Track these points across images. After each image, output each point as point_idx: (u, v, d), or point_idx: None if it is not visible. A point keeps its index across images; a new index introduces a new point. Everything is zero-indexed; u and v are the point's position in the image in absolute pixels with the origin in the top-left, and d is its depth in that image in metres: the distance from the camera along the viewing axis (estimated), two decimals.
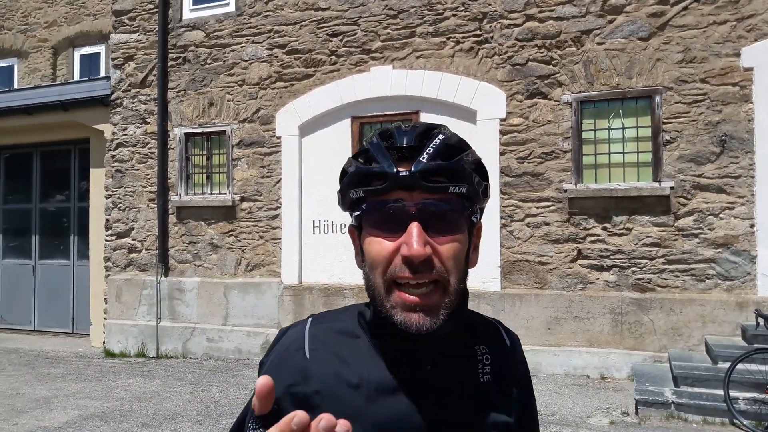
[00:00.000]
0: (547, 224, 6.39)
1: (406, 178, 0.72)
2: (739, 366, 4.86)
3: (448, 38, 6.95)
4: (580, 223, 6.26)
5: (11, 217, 10.11)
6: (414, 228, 0.71)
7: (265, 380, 0.54)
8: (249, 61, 7.89)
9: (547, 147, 6.45)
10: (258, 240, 7.80)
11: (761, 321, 4.88)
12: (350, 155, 0.81)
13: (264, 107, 7.81)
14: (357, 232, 0.80)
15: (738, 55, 5.80)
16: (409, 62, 7.12)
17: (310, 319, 0.84)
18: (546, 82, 6.52)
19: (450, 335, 0.78)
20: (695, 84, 5.94)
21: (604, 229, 6.16)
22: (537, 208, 6.44)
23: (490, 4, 6.79)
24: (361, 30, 7.34)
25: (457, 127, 6.76)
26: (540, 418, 4.95)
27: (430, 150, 0.74)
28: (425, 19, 7.06)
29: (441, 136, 0.76)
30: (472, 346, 0.83)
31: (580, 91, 6.36)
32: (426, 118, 7.00)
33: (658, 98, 6.05)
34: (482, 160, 0.81)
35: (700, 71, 5.92)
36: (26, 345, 8.88)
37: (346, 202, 0.80)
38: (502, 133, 6.65)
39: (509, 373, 0.85)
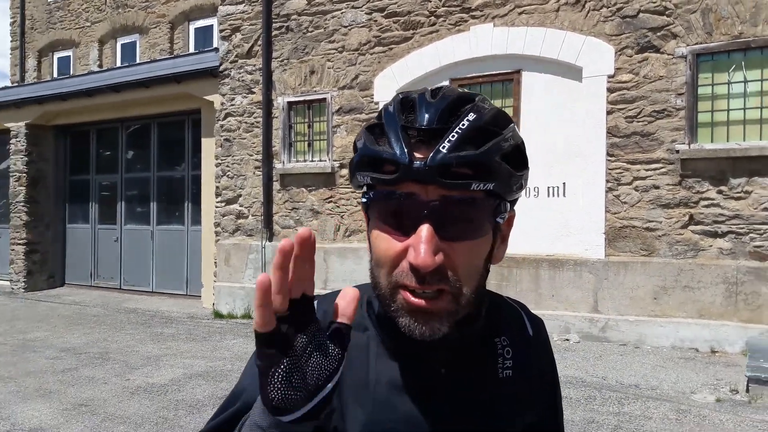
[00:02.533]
0: (657, 188, 6.69)
1: (420, 171, 0.67)
2: None
3: None
4: (693, 186, 6.50)
5: (132, 186, 12.11)
6: (424, 231, 0.67)
7: (263, 277, 0.54)
8: (349, 27, 8.84)
9: (659, 105, 6.72)
10: (356, 206, 8.81)
11: None
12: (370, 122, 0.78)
13: (363, 73, 8.74)
14: (366, 216, 0.78)
15: None
16: (510, 19, 7.64)
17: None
18: (659, 34, 6.76)
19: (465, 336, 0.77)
20: None
21: (720, 192, 6.35)
22: (646, 170, 6.76)
23: None
24: None
25: (562, 85, 7.26)
26: (638, 392, 5.47)
27: (453, 136, 0.68)
28: None
29: (472, 115, 0.70)
30: (491, 338, 0.83)
31: (696, 43, 6.54)
32: (528, 76, 7.52)
33: None
34: (522, 143, 0.77)
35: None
36: (144, 305, 10.69)
37: (354, 183, 0.77)
38: (610, 90, 7.00)
39: (532, 365, 0.86)
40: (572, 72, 7.29)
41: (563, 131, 7.33)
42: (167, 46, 13.49)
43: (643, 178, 6.79)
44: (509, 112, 7.68)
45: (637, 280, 6.65)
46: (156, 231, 11.68)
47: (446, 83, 8.10)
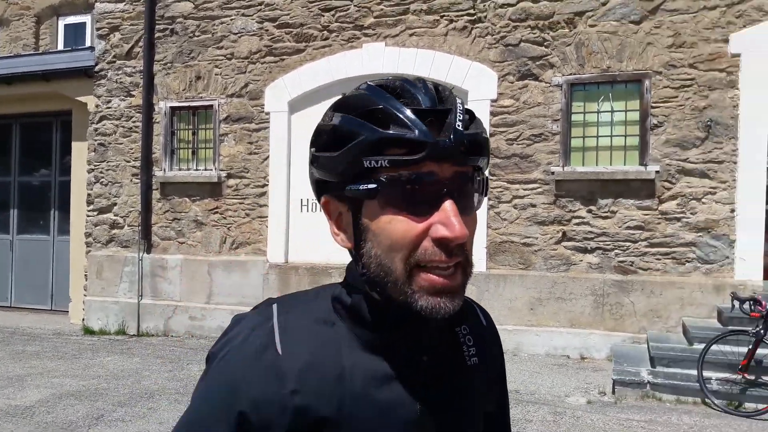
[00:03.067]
0: (534, 206, 7.28)
1: (448, 148, 0.70)
2: (714, 347, 5.67)
3: (442, 16, 7.82)
4: (566, 206, 7.15)
5: None
6: (450, 206, 0.70)
7: None
8: (238, 34, 8.77)
9: (537, 129, 7.33)
10: (244, 218, 8.70)
11: (737, 304, 5.68)
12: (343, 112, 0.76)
13: (253, 82, 8.70)
14: (350, 208, 0.77)
15: (726, 41, 6.67)
16: (401, 39, 7.99)
17: (275, 305, 0.81)
18: (538, 63, 7.39)
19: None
20: (684, 69, 6.80)
21: (590, 211, 7.05)
22: (524, 189, 7.33)
23: None
24: (354, 5, 8.21)
25: None
26: (519, 397, 5.90)
27: (460, 116, 0.72)
28: None
29: (457, 99, 0.75)
30: (452, 328, 0.87)
31: (571, 74, 7.23)
32: None
33: (647, 82, 6.92)
34: None
35: (689, 56, 6.79)
36: (1, 321, 9.79)
37: (349, 172, 0.74)
38: (493, 114, 7.52)
39: (490, 353, 0.91)
40: (459, 95, 7.71)
41: None
42: (32, 41, 12.51)
43: (522, 197, 7.35)
44: None
45: (515, 292, 7.18)
46: (17, 241, 10.75)
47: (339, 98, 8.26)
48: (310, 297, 0.84)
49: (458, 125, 0.71)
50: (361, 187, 0.73)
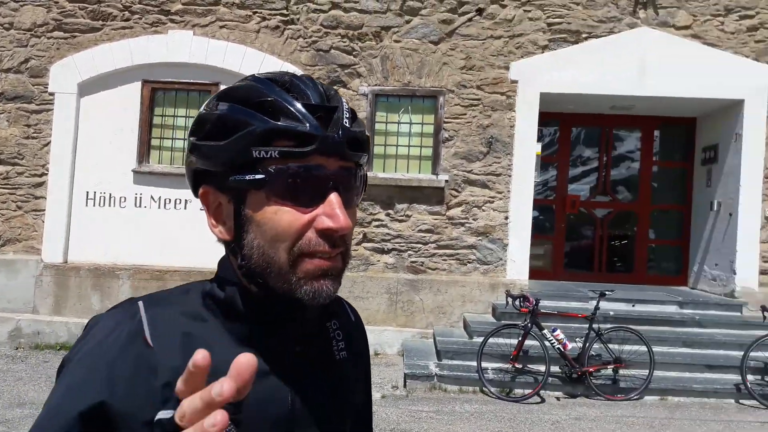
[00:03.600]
0: None
1: (336, 143, 0.75)
2: (490, 340, 6.36)
3: (255, 12, 7.92)
4: (368, 209, 7.68)
5: None
6: (336, 198, 0.75)
7: (203, 353, 0.54)
8: (20, 2, 7.94)
9: None
10: (15, 210, 7.87)
11: (509, 300, 6.52)
12: (220, 101, 0.79)
13: (36, 57, 7.94)
14: (233, 199, 0.78)
15: (507, 68, 7.74)
16: (212, 30, 7.91)
17: (141, 302, 0.79)
18: (346, 71, 7.84)
19: (314, 311, 0.82)
20: (472, 90, 7.74)
21: (388, 215, 7.66)
22: None
23: None
24: None
25: None
26: None
27: (347, 114, 0.77)
28: None
29: (343, 99, 0.80)
30: (323, 323, 0.90)
31: (376, 85, 7.80)
32: None
33: (441, 99, 7.74)
34: None
35: (477, 78, 7.74)
36: None
37: (234, 162, 0.76)
38: None
39: (358, 348, 0.95)
40: None
41: None
42: None
43: None
44: None
45: None
46: None
47: (138, 84, 7.91)
48: (179, 293, 0.83)
49: (345, 122, 0.76)
50: (247, 177, 0.75)
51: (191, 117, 7.99)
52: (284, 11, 7.94)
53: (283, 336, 0.81)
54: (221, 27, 7.94)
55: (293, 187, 0.74)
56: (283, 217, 0.75)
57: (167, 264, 7.66)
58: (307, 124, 0.74)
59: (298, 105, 0.75)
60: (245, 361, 0.53)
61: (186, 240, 7.64)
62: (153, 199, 7.83)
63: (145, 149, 7.89)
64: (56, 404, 0.71)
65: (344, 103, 0.78)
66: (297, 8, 7.93)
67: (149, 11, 7.94)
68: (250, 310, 0.79)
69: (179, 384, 0.55)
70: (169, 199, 7.82)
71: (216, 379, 0.67)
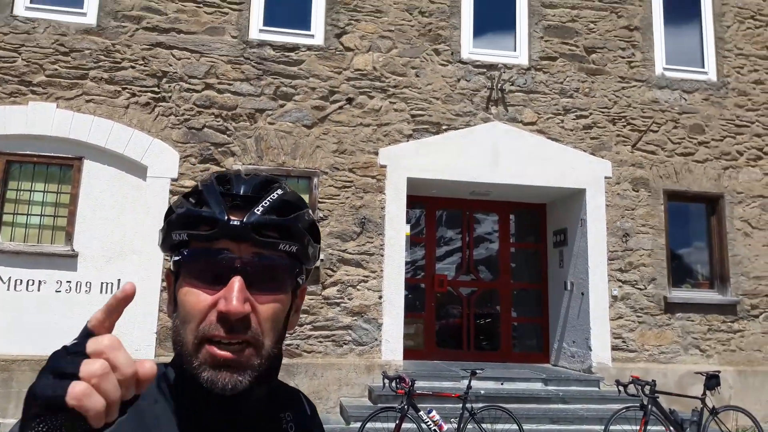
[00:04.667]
0: None
1: (237, 228, 0.83)
2: (368, 425, 6.50)
3: (124, 88, 8.21)
4: None
5: None
6: (236, 282, 0.80)
7: (130, 285, 0.63)
8: None
9: None
10: None
11: (386, 382, 6.65)
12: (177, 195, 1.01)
13: None
14: (173, 279, 0.88)
15: (377, 153, 8.61)
16: (77, 104, 8.05)
17: None
18: (220, 150, 8.29)
19: (258, 401, 0.88)
20: (345, 172, 8.48)
21: None
22: None
23: (171, 65, 8.37)
24: (23, 59, 8.02)
25: (126, 180, 7.96)
26: None
27: (266, 203, 0.86)
28: (101, 63, 8.21)
29: (279, 191, 0.89)
30: (276, 413, 0.95)
31: (250, 163, 8.29)
32: (90, 166, 7.96)
33: (315, 179, 8.38)
34: (316, 223, 0.95)
35: (349, 162, 8.51)
36: None
37: (167, 243, 0.88)
38: (173, 193, 8.04)
39: None
40: (138, 169, 8.08)
41: (123, 226, 7.92)
42: None
43: None
44: (66, 198, 7.88)
45: None
46: None
47: None
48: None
49: (258, 209, 0.85)
50: (173, 259, 0.86)
51: (50, 192, 7.93)
52: (155, 89, 8.30)
53: (227, 426, 0.85)
54: (88, 101, 8.11)
55: (200, 269, 0.83)
56: (190, 297, 0.83)
57: (16, 353, 7.28)
58: (214, 210, 0.84)
59: (215, 193, 0.87)
60: (149, 366, 0.61)
61: (39, 325, 7.38)
62: (2, 280, 7.51)
63: None
64: None
65: (276, 195, 0.88)
66: (169, 87, 8.34)
67: (8, 81, 7.95)
68: (189, 395, 0.84)
69: (98, 313, 0.63)
70: (21, 280, 7.53)
71: None
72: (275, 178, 0.94)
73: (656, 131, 9.53)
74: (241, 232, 0.83)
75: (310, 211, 0.93)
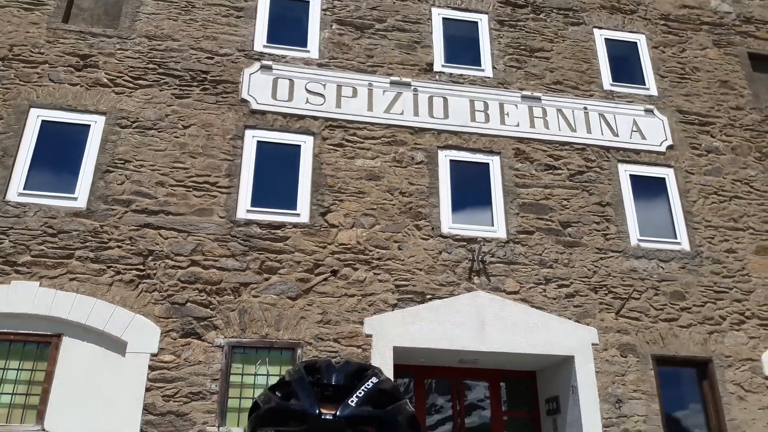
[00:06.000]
0: None
1: (330, 422, 0.83)
2: None
3: (109, 267, 8.87)
4: None
5: None
6: None
7: None
8: None
9: (195, 387, 8.36)
10: None
11: None
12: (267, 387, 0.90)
13: None
14: None
15: (362, 323, 9.15)
16: (60, 282, 8.64)
17: None
18: (202, 324, 8.78)
19: None
20: (330, 342, 8.94)
21: None
22: None
23: (157, 244, 9.15)
24: (10, 241, 8.74)
25: (105, 356, 8.34)
26: None
27: (360, 393, 0.86)
28: (87, 244, 8.95)
29: (374, 379, 0.90)
30: None
31: (233, 336, 8.75)
32: (70, 342, 8.35)
33: (300, 350, 8.80)
34: (415, 414, 0.95)
35: (334, 332, 9.01)
36: None
37: None
38: (152, 368, 8.36)
39: None
40: (117, 345, 8.46)
41: (99, 404, 8.09)
42: None
43: None
44: (41, 376, 8.14)
45: None
46: None
47: None
48: None
49: (352, 401, 0.85)
50: None
51: (24, 370, 8.20)
52: (140, 266, 8.98)
53: None
54: (71, 279, 8.71)
55: None
56: None
57: None
58: (304, 403, 0.85)
59: (305, 384, 0.87)
60: None
61: None
62: None
63: None
64: None
65: (369, 384, 0.88)
66: (154, 264, 9.03)
67: None
68: None
69: None
70: None
71: None
72: (368, 365, 0.96)
73: (638, 298, 10.29)
74: (335, 426, 0.82)
75: (408, 402, 0.92)
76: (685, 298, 10.46)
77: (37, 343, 8.37)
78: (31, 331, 8.37)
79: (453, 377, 10.53)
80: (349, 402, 0.84)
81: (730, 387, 9.91)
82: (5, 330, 8.30)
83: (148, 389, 8.25)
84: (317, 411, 0.83)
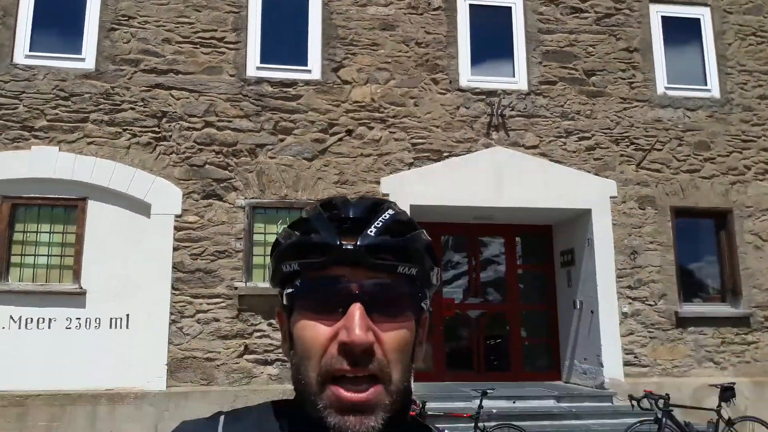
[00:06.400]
0: (217, 320, 8.57)
1: (351, 252, 0.84)
2: None
3: (125, 129, 9.06)
4: (248, 320, 8.63)
5: None
6: (356, 310, 0.82)
7: None
8: None
9: (221, 246, 8.84)
10: None
11: None
12: (280, 231, 0.94)
13: None
14: (286, 315, 0.92)
15: (378, 182, 9.40)
16: (79, 146, 8.90)
17: (223, 416, 0.92)
18: (222, 185, 9.09)
19: None
20: None
21: (270, 324, 8.63)
22: (208, 304, 8.60)
23: (170, 105, 9.25)
24: (24, 106, 8.91)
25: (130, 218, 8.75)
26: None
27: (378, 224, 0.87)
28: (101, 106, 9.09)
29: (391, 211, 0.90)
30: None
31: (253, 197, 9.08)
32: (95, 206, 8.75)
33: None
34: (431, 243, 0.95)
35: (351, 192, 9.29)
36: None
37: (276, 277, 0.92)
38: (177, 229, 8.80)
39: None
40: (141, 207, 8.87)
41: (130, 263, 8.65)
42: None
43: (205, 311, 8.59)
44: (72, 238, 8.65)
45: (197, 410, 8.09)
46: None
47: None
48: (260, 411, 0.94)
49: (371, 231, 0.86)
50: (285, 292, 0.90)
51: (56, 233, 8.71)
52: (156, 128, 9.16)
53: None
54: (89, 143, 8.96)
55: (315, 300, 0.85)
56: (308, 331, 0.84)
57: (29, 388, 7.95)
58: (324, 235, 0.87)
59: (323, 218, 0.89)
60: None
61: (51, 361, 8.06)
62: (13, 320, 8.24)
63: (4, 266, 8.39)
64: None
65: (387, 215, 0.90)
66: (169, 126, 9.19)
67: (10, 127, 8.81)
68: None
69: None
70: (32, 318, 8.25)
71: None
72: (384, 199, 0.96)
73: (660, 149, 10.32)
74: (356, 255, 0.85)
75: (425, 232, 0.94)
76: (709, 148, 10.47)
77: (64, 207, 8.80)
78: (57, 195, 8.76)
79: (469, 234, 10.93)
80: (368, 232, 0.86)
81: (747, 237, 10.19)
82: (32, 195, 8.70)
83: (175, 249, 8.75)
84: (338, 242, 0.85)
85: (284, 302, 0.91)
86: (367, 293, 0.84)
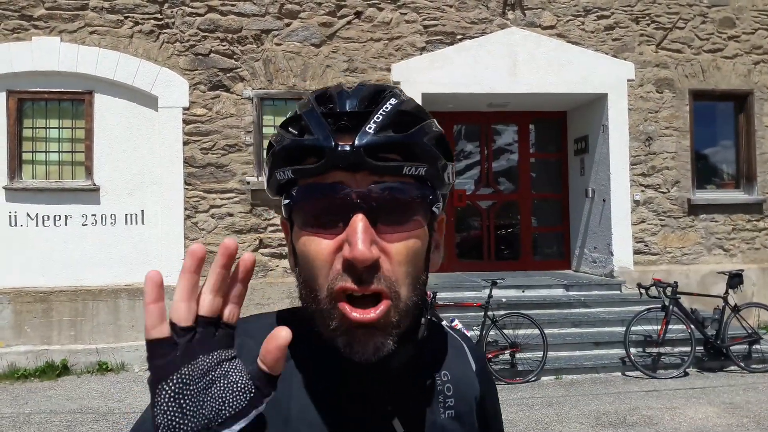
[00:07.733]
0: (231, 215, 9.24)
1: (348, 154, 0.78)
2: None
3: (126, 17, 9.28)
4: (262, 214, 9.29)
5: None
6: (358, 222, 0.76)
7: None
8: None
9: (231, 139, 9.34)
10: None
11: None
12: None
13: None
14: (289, 226, 0.88)
15: (389, 70, 9.71)
16: (80, 36, 9.17)
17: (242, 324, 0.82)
18: (228, 75, 9.43)
19: (406, 363, 0.84)
20: None
21: None
22: (221, 199, 9.24)
23: None
24: None
25: (138, 112, 9.18)
26: None
27: (378, 118, 0.80)
28: None
29: (393, 100, 0.83)
30: (430, 373, 0.93)
31: (260, 88, 9.45)
32: (102, 99, 9.15)
33: None
34: (444, 136, 0.89)
35: (361, 80, 9.62)
36: None
37: (272, 185, 0.86)
38: (186, 122, 9.26)
39: (476, 405, 0.97)
40: (148, 100, 9.27)
41: (141, 158, 9.20)
42: None
43: (219, 207, 9.24)
44: (81, 134, 9.15)
45: None
46: None
47: (2, 95, 9.00)
48: (272, 320, 0.91)
49: (370, 127, 0.80)
50: (283, 203, 0.86)
51: (65, 128, 9.20)
52: (158, 15, 9.37)
53: (364, 396, 0.85)
54: (91, 33, 9.22)
55: (313, 211, 0.82)
56: (309, 246, 0.81)
57: (51, 285, 8.73)
58: (318, 136, 0.81)
59: (317, 115, 0.83)
60: (280, 335, 0.64)
61: (70, 258, 8.78)
62: (30, 217, 8.86)
63: (16, 164, 8.93)
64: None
65: (387, 107, 0.83)
66: (171, 12, 9.40)
67: (9, 16, 9.04)
68: (323, 357, 0.85)
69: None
70: (48, 216, 8.89)
71: (290, 428, 0.82)
72: (386, 85, 0.90)
73: (683, 28, 10.49)
74: (354, 158, 0.79)
75: (436, 122, 0.89)
76: (734, 26, 10.62)
77: (71, 101, 9.19)
78: (62, 89, 9.14)
79: (482, 122, 11.35)
80: (367, 129, 0.80)
81: (766, 120, 10.59)
82: (38, 89, 9.10)
83: (185, 143, 9.24)
84: (332, 143, 0.79)
85: (284, 213, 0.88)
86: (369, 201, 0.79)
